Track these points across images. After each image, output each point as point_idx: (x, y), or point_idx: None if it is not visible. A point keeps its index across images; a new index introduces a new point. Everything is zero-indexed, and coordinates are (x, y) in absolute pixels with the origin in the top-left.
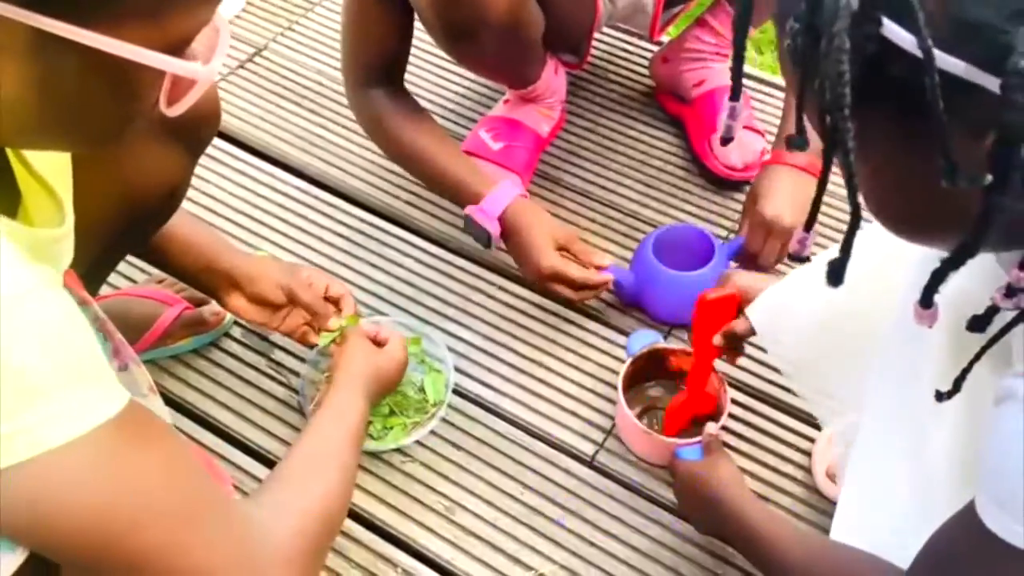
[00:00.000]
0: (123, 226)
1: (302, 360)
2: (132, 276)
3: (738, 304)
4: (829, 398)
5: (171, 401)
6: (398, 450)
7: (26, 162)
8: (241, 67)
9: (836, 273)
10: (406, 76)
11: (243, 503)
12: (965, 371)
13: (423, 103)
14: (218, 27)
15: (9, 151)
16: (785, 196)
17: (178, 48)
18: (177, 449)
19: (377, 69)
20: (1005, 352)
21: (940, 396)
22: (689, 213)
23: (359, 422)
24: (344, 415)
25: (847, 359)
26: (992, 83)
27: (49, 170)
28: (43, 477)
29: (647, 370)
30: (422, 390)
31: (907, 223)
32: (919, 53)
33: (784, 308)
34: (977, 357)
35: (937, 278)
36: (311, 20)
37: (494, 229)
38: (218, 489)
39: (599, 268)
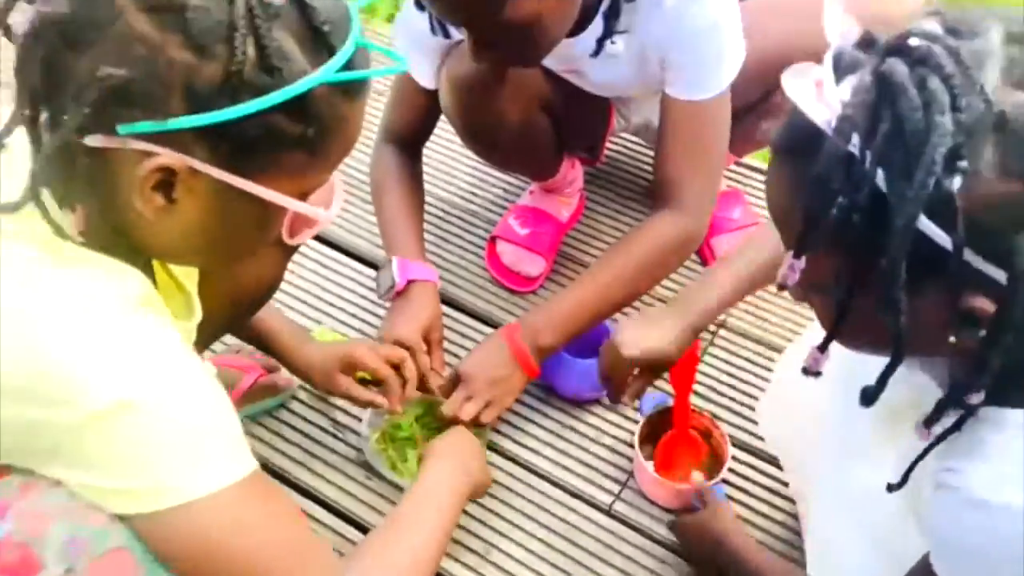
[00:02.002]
0: (231, 316)
1: (359, 419)
2: (212, 347)
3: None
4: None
5: None
6: None
7: (167, 268)
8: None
9: (869, 398)
10: (454, 173)
11: (344, 562)
12: (910, 469)
13: (462, 192)
14: (333, 183)
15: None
16: (489, 362)
17: (304, 196)
18: (293, 509)
19: (396, 132)
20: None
21: (891, 487)
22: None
23: (451, 498)
24: (436, 489)
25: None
26: (1000, 275)
27: (182, 273)
28: (193, 518)
29: (659, 427)
30: None
31: (870, 349)
32: (948, 247)
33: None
34: (918, 460)
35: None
36: (364, 124)
37: (400, 283)
38: (324, 544)
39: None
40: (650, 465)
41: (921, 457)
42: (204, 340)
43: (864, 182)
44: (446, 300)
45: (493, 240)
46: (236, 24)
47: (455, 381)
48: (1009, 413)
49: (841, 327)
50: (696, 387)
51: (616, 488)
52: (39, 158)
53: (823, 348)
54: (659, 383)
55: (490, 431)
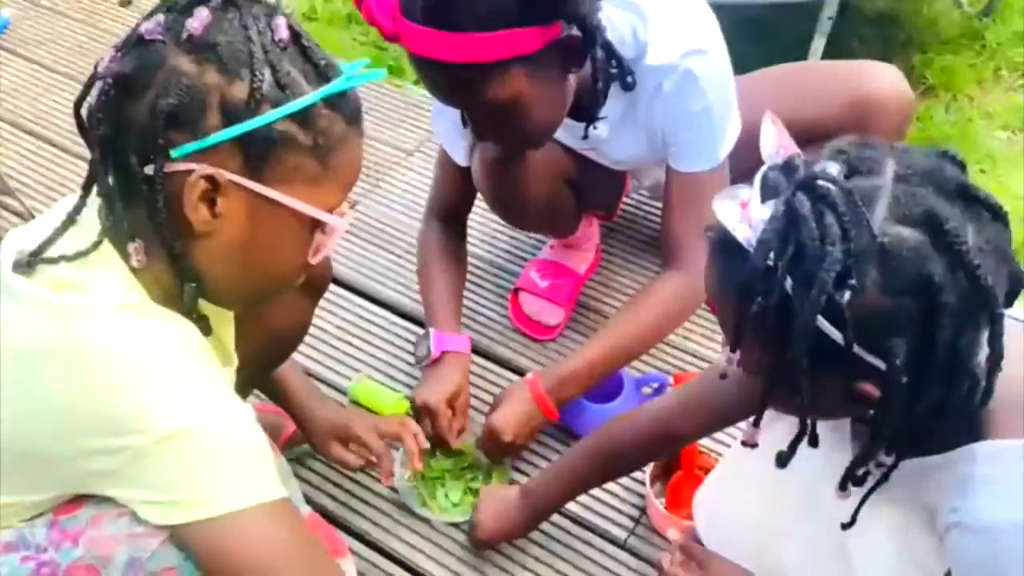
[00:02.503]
0: (264, 360)
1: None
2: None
3: None
4: None
5: None
6: (455, 525)
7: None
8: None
9: (784, 460)
10: (482, 230)
11: None
12: (856, 511)
13: (488, 246)
14: (345, 212)
15: None
16: (514, 414)
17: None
18: (313, 537)
19: (440, 208)
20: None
21: (844, 526)
22: (698, 339)
23: None
24: None
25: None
26: (882, 365)
27: (218, 326)
28: (223, 528)
29: (669, 467)
30: (489, 476)
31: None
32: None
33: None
34: (861, 504)
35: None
36: (392, 178)
37: (435, 353)
38: (339, 570)
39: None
40: (661, 503)
41: (863, 502)
42: (243, 385)
43: (775, 290)
44: (473, 348)
45: (516, 292)
46: (255, 54)
47: (488, 434)
48: (976, 448)
49: (766, 404)
50: None
51: (630, 524)
52: (114, 201)
53: (756, 424)
54: None
55: (511, 469)
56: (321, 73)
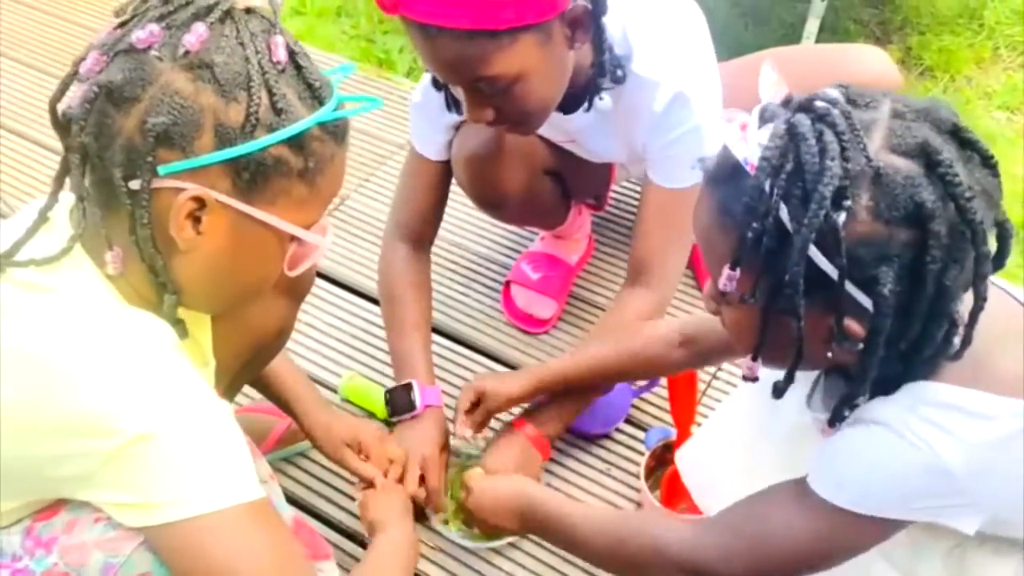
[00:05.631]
0: (246, 362)
1: None
2: (252, 394)
3: (695, 375)
4: None
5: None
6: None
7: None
8: (328, 214)
9: (780, 391)
10: (471, 221)
11: None
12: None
13: (478, 238)
14: (325, 225)
15: None
16: (509, 456)
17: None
18: (289, 537)
19: (406, 227)
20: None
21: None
22: None
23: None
24: (394, 554)
25: None
26: (868, 303)
27: (194, 326)
28: (196, 530)
29: (663, 460)
30: None
31: (774, 362)
32: (834, 275)
33: (710, 465)
34: None
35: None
36: (383, 173)
37: (420, 408)
38: (313, 572)
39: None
40: (656, 496)
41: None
42: (227, 388)
43: (769, 212)
44: (464, 342)
45: (508, 285)
46: (252, 76)
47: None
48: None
49: (764, 334)
50: (697, 421)
51: None
52: (91, 207)
53: (755, 357)
54: (663, 417)
55: None
56: (316, 95)
